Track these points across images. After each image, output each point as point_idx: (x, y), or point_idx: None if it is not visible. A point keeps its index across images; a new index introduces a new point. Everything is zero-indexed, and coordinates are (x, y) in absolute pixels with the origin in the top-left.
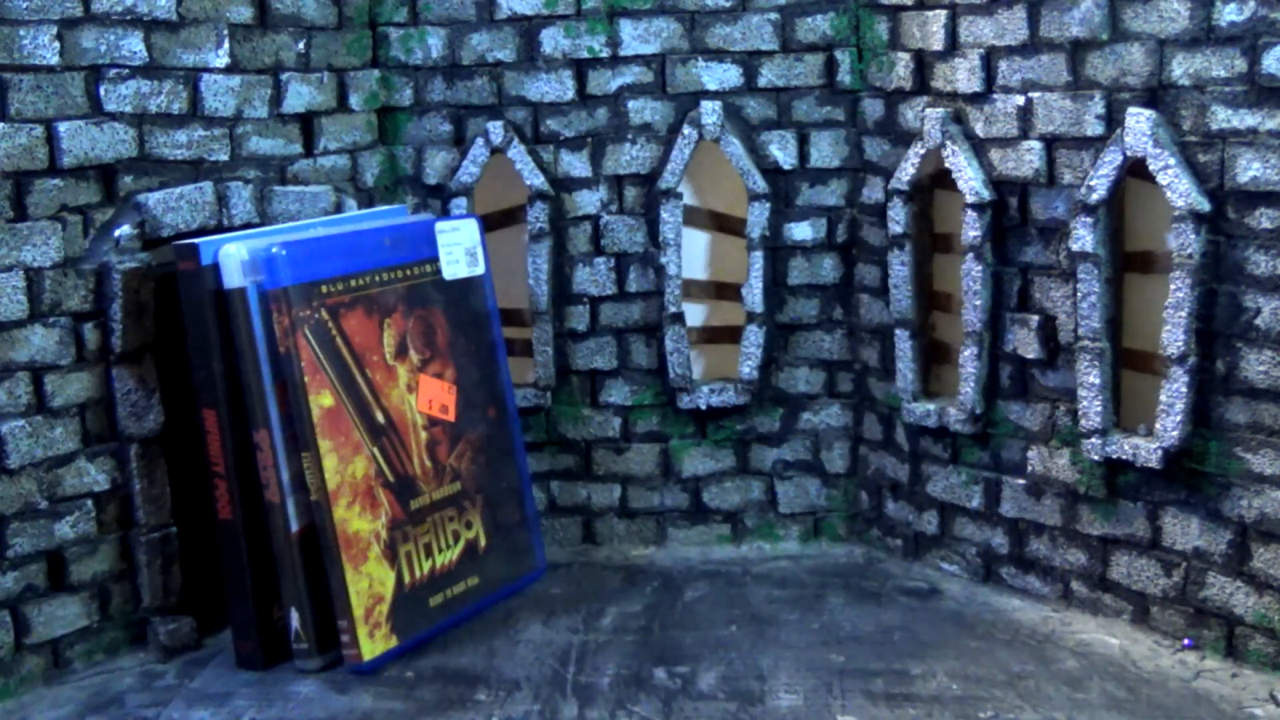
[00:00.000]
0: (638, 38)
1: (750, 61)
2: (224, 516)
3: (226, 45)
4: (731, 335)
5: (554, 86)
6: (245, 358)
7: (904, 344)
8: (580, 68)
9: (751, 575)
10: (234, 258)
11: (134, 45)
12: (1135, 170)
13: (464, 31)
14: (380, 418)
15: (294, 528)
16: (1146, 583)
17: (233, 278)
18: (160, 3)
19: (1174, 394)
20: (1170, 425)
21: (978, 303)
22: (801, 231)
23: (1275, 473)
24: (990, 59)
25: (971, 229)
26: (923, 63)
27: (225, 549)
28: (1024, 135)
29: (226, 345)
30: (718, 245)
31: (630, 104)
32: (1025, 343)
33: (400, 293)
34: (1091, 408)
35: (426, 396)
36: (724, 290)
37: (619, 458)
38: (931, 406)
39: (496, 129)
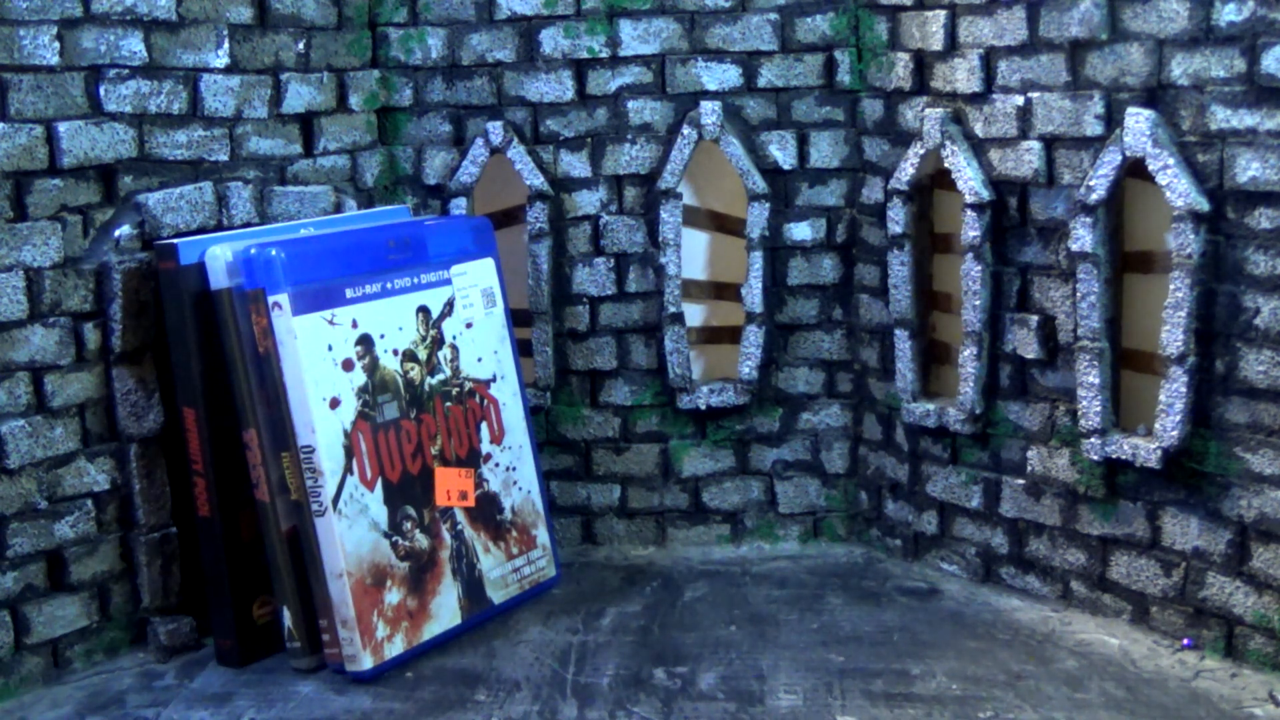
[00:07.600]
0: (637, 38)
1: (750, 62)
2: (202, 514)
3: (226, 45)
4: (731, 335)
5: (554, 87)
6: (233, 358)
7: (903, 344)
8: (580, 68)
9: (751, 575)
10: (219, 259)
11: (134, 45)
12: (1134, 170)
13: (464, 31)
14: None
15: (284, 527)
16: (1146, 583)
17: (219, 279)
18: (160, 3)
19: (1173, 394)
20: (1170, 425)
21: (977, 303)
22: (801, 231)
23: (1275, 473)
24: (990, 59)
25: (971, 229)
26: (922, 63)
27: (204, 547)
28: (1023, 135)
29: (208, 344)
30: (717, 245)
31: (630, 104)
32: (1025, 343)
33: None
34: (1091, 408)
35: None
36: (724, 290)
37: (619, 458)
38: (931, 406)
39: (496, 129)
